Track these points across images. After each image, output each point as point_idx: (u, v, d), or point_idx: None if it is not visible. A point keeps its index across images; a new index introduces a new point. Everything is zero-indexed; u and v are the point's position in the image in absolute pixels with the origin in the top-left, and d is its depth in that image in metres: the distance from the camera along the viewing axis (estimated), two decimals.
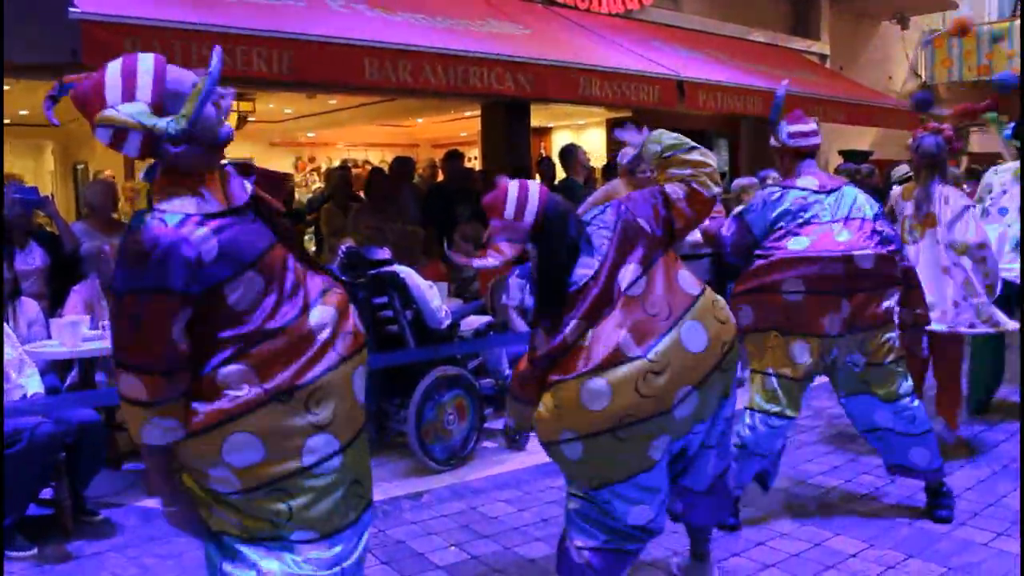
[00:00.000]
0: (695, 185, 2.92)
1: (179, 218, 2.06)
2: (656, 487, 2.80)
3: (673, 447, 2.86)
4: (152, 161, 2.20)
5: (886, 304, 3.77)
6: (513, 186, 2.86)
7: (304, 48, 5.37)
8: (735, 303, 3.80)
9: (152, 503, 4.38)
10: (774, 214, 3.80)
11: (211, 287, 2.09)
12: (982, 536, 3.76)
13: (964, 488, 4.28)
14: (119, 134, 2.07)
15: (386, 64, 5.76)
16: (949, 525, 3.87)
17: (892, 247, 3.78)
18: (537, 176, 8.37)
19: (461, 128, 12.23)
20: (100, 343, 4.55)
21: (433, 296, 5.04)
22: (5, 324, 4.21)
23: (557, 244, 2.81)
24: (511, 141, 8.93)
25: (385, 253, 5.13)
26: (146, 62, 2.09)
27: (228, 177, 2.23)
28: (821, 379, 4.03)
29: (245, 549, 2.20)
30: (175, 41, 4.70)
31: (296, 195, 9.84)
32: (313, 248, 8.39)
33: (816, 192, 3.82)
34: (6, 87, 7.60)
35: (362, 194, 8.12)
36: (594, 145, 11.27)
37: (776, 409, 3.79)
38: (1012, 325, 4.69)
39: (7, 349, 4.06)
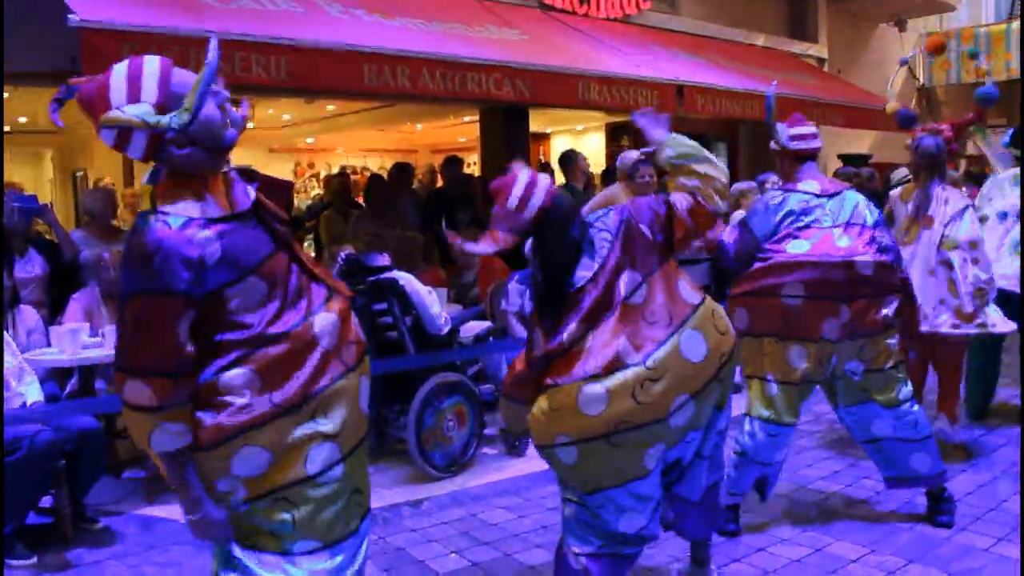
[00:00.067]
0: (700, 198, 2.89)
1: (182, 221, 2.06)
2: (649, 495, 2.79)
3: (668, 456, 2.86)
4: (154, 166, 2.21)
5: (885, 311, 3.77)
6: (522, 176, 2.82)
7: (302, 54, 5.37)
8: (731, 306, 3.80)
9: (152, 511, 4.39)
10: (777, 217, 3.79)
11: (213, 291, 2.09)
12: (983, 541, 3.76)
13: (965, 493, 4.28)
14: (123, 135, 2.07)
15: (384, 70, 5.77)
16: (950, 530, 3.87)
17: (889, 256, 3.78)
18: None
19: (460, 133, 12.23)
20: (100, 351, 4.55)
21: (432, 302, 5.04)
22: (5, 332, 4.21)
23: (556, 242, 2.80)
24: (510, 146, 8.92)
25: (384, 259, 5.13)
26: (152, 64, 2.10)
27: (232, 182, 2.24)
28: None
29: (247, 560, 2.20)
30: (174, 47, 4.69)
31: (295, 201, 9.85)
32: (313, 255, 8.39)
33: (818, 196, 3.81)
34: (5, 94, 7.61)
35: (361, 200, 8.12)
36: (593, 150, 11.27)
37: (774, 416, 3.78)
38: (1005, 327, 4.68)
39: (7, 357, 4.06)
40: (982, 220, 5.23)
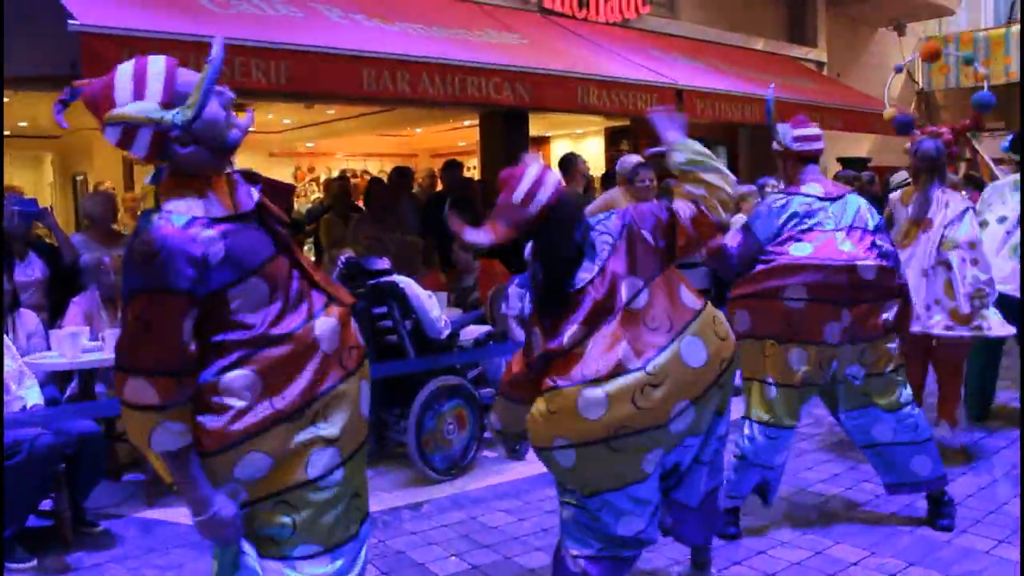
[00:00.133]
0: (703, 208, 2.89)
1: (186, 219, 2.05)
2: (647, 499, 2.78)
3: (667, 461, 2.85)
4: (157, 168, 2.21)
5: (885, 315, 3.77)
6: (532, 170, 2.79)
7: (302, 59, 5.39)
8: (731, 307, 3.79)
9: (152, 514, 4.39)
10: (781, 219, 3.77)
11: (215, 290, 2.08)
12: (983, 544, 3.75)
13: (965, 495, 4.28)
14: (128, 132, 2.07)
15: (384, 74, 5.78)
16: (950, 533, 3.87)
17: (890, 261, 3.78)
18: None
19: (460, 137, 12.26)
20: (100, 354, 4.55)
21: (432, 306, 5.04)
22: (5, 336, 4.21)
23: (558, 242, 2.79)
24: (510, 150, 8.93)
25: (384, 263, 5.13)
26: (157, 64, 2.10)
27: (235, 184, 2.23)
28: None
29: (252, 560, 2.20)
30: (173, 52, 4.59)
31: (295, 205, 9.86)
32: (312, 258, 8.40)
33: (821, 199, 3.80)
34: (5, 99, 7.62)
35: (361, 204, 8.13)
36: (593, 154, 11.29)
37: (774, 419, 3.77)
38: (1001, 331, 4.66)
39: (7, 361, 4.06)
40: (982, 225, 5.23)
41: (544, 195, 2.76)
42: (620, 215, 2.88)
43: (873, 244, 3.75)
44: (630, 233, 2.82)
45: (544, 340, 2.76)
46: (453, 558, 3.84)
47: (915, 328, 4.46)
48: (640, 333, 2.69)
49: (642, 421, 2.64)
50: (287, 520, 2.18)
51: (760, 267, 3.75)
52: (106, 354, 4.47)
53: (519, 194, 2.76)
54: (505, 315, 5.93)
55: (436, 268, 7.26)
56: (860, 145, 12.74)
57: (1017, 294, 5.01)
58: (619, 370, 2.64)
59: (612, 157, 10.31)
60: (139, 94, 2.06)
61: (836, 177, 8.14)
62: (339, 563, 2.26)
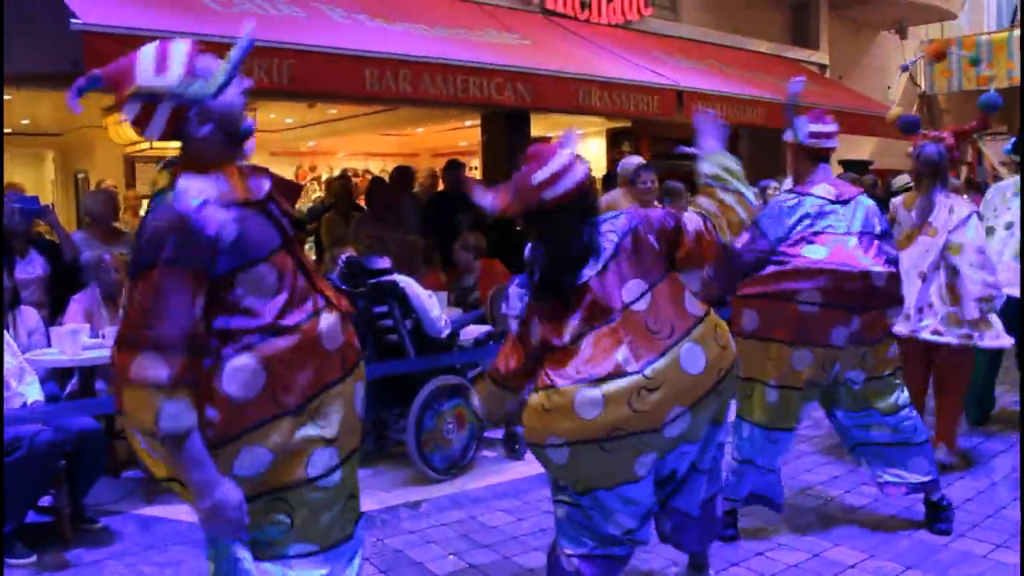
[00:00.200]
0: (710, 225, 2.87)
1: (200, 200, 2.07)
2: (638, 500, 2.78)
3: (662, 468, 2.86)
4: (168, 159, 2.23)
5: (889, 321, 3.77)
6: (562, 156, 2.77)
7: (304, 58, 5.39)
8: (740, 305, 3.74)
9: (151, 511, 4.40)
10: (791, 220, 3.70)
11: (224, 274, 2.09)
12: (981, 547, 3.76)
13: (963, 499, 4.28)
14: (147, 108, 2.09)
15: (386, 74, 5.79)
16: (948, 537, 3.87)
17: (895, 268, 3.77)
18: None
19: (461, 137, 12.25)
20: (100, 351, 4.56)
21: (433, 305, 5.05)
22: (5, 332, 4.21)
23: (564, 239, 2.77)
24: (511, 151, 8.94)
25: (385, 262, 5.13)
26: (180, 45, 2.13)
27: (247, 175, 2.25)
28: None
29: (247, 563, 2.20)
30: None
31: (297, 204, 9.83)
32: (313, 257, 8.40)
33: (832, 202, 3.75)
34: (7, 96, 7.63)
35: (362, 203, 8.13)
36: (594, 155, 11.28)
37: (774, 422, 3.77)
38: (992, 343, 4.55)
39: (7, 357, 4.07)
40: (989, 231, 5.21)
41: (564, 186, 2.75)
42: (628, 216, 2.87)
43: (880, 250, 3.74)
44: (636, 236, 2.81)
45: (542, 330, 2.76)
46: (451, 557, 3.84)
47: (902, 329, 4.42)
48: (640, 336, 2.68)
49: (637, 424, 2.64)
50: (284, 519, 2.18)
51: (772, 268, 3.68)
52: (106, 351, 4.47)
53: (540, 176, 2.75)
54: (505, 315, 5.93)
55: (437, 268, 7.26)
56: (862, 148, 12.74)
57: (1016, 294, 4.99)
58: (617, 372, 2.64)
59: (613, 158, 10.30)
60: (161, 72, 2.08)
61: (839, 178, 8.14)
62: (336, 564, 2.26)
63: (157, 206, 2.08)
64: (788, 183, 4.49)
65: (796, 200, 3.76)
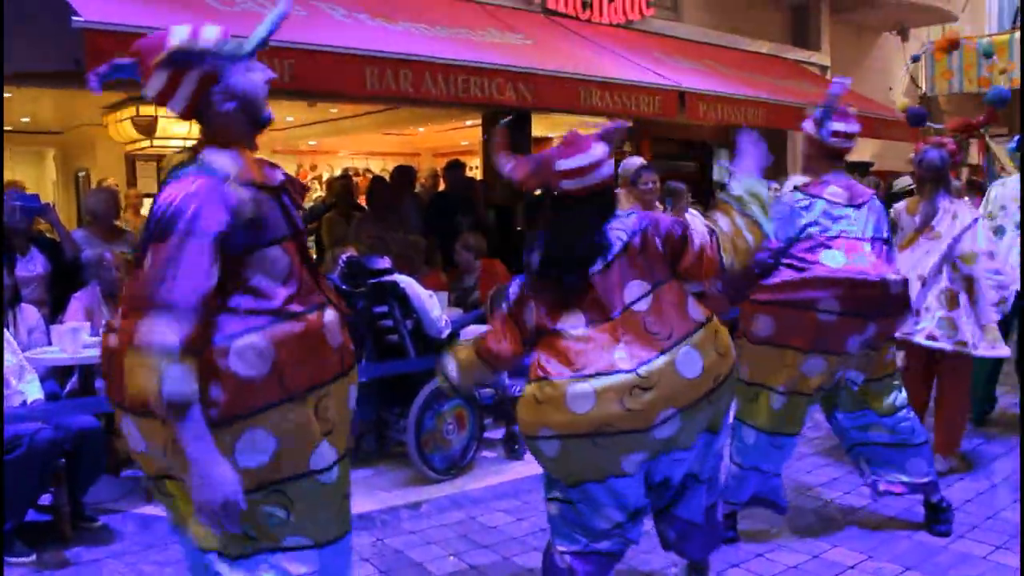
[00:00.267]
0: (715, 241, 2.86)
1: (221, 174, 2.09)
2: (626, 495, 2.78)
3: (655, 474, 2.86)
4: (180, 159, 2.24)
5: (897, 326, 3.77)
6: (594, 152, 2.78)
7: (306, 57, 5.39)
8: (754, 310, 3.67)
9: (151, 510, 4.39)
10: (802, 221, 3.66)
11: (236, 253, 2.10)
12: (981, 549, 3.76)
13: (963, 501, 4.28)
14: (174, 77, 2.13)
15: (387, 73, 5.78)
16: (948, 538, 3.87)
17: (903, 274, 3.76)
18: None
19: (462, 137, 12.25)
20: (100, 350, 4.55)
21: (433, 306, 5.05)
22: (5, 330, 4.22)
23: (572, 237, 2.77)
24: (512, 151, 8.95)
25: (386, 262, 5.13)
26: (211, 27, 2.20)
27: (262, 163, 2.28)
28: None
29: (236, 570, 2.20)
30: None
31: None
32: (314, 256, 8.40)
33: (845, 206, 3.71)
34: (8, 94, 7.63)
35: (363, 203, 8.14)
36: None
37: (779, 428, 3.75)
38: (987, 352, 4.49)
39: (7, 355, 4.07)
40: (997, 232, 5.19)
41: (585, 182, 2.76)
42: (639, 216, 2.88)
43: (890, 256, 3.72)
44: (645, 236, 2.81)
45: (539, 315, 2.78)
46: (451, 558, 3.84)
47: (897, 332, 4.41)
48: (638, 336, 2.69)
49: (626, 422, 2.64)
50: (281, 513, 2.19)
51: (791, 274, 3.61)
52: None
53: (566, 164, 2.76)
54: None
55: (437, 268, 7.27)
56: (863, 149, 12.72)
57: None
58: (611, 369, 2.65)
59: (614, 159, 10.30)
60: (195, 36, 2.16)
61: None
62: (330, 560, 2.27)
63: (178, 175, 2.10)
64: (789, 184, 4.48)
65: (808, 201, 3.71)
